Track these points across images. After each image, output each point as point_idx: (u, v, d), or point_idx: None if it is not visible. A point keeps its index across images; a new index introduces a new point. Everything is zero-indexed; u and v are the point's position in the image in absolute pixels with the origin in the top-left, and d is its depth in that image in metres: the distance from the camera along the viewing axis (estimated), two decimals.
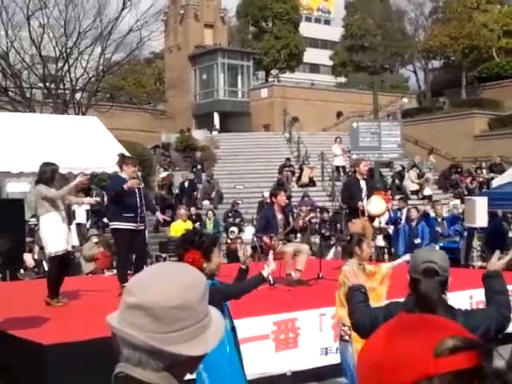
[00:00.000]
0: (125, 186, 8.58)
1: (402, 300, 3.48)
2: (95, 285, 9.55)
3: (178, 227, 15.46)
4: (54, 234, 8.03)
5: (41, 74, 25.44)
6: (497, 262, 3.60)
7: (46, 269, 14.52)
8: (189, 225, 15.93)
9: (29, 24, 24.35)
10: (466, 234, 15.18)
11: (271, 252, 5.18)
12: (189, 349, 1.43)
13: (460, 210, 17.77)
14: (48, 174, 8.10)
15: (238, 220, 18.87)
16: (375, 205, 10.67)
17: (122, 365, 1.45)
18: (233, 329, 4.65)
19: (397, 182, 22.84)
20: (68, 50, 25.04)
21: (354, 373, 5.50)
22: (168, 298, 1.42)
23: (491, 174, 22.11)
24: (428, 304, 3.13)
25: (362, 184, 10.94)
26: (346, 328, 5.48)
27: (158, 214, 10.26)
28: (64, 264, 8.21)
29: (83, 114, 23.85)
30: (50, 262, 8.31)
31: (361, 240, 5.83)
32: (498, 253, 3.67)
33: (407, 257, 5.57)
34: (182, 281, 1.47)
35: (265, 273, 4.70)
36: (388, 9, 42.40)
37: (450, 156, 27.16)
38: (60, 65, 25.47)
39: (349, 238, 5.87)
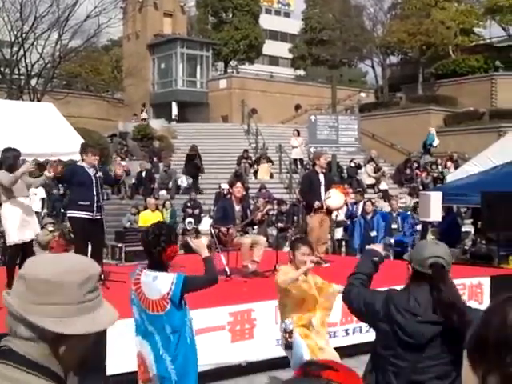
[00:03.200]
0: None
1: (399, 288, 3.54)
2: None
3: (147, 217, 15.34)
4: (15, 223, 7.88)
5: None
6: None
7: (0, 257, 14.30)
8: (158, 215, 15.82)
9: None
10: (419, 228, 15.44)
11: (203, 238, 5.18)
12: (52, 324, 1.51)
13: (410, 204, 18.15)
14: (10, 160, 7.96)
15: (196, 211, 18.78)
16: (334, 198, 10.74)
17: (7, 338, 1.56)
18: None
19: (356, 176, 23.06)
20: (24, 35, 24.55)
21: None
22: (43, 271, 1.54)
23: (445, 170, 22.49)
24: (447, 295, 3.22)
25: (321, 177, 10.99)
26: (287, 335, 5.46)
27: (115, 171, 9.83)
28: (24, 253, 8.06)
29: (38, 100, 23.44)
30: (10, 250, 8.15)
31: (296, 246, 5.57)
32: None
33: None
34: (66, 262, 1.59)
35: (203, 254, 4.73)
36: (347, 3, 42.59)
37: (406, 151, 27.50)
38: (15, 49, 24.97)
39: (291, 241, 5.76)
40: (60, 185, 19.29)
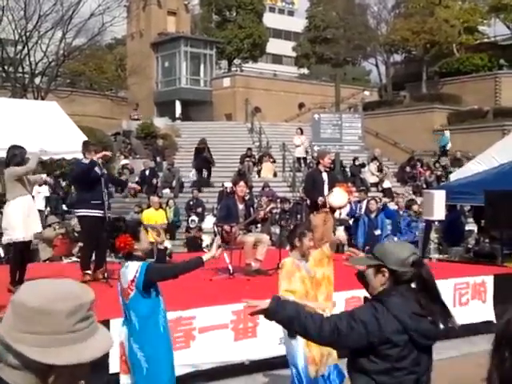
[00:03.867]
0: (94, 158, 8.59)
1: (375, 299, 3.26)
2: (55, 272, 9.39)
3: (150, 215, 15.35)
4: (21, 220, 7.90)
5: None
6: None
7: (2, 255, 14.32)
8: (161, 213, 15.82)
9: None
10: (422, 226, 15.40)
11: (217, 238, 5.22)
12: (39, 354, 1.47)
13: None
14: (18, 158, 7.99)
15: (199, 209, 18.79)
16: (337, 197, 10.71)
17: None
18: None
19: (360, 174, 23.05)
20: (28, 34, 24.54)
21: (303, 365, 5.53)
22: (31, 299, 1.50)
23: (450, 168, 22.47)
24: (435, 289, 3.21)
25: (324, 176, 10.98)
26: None
27: (130, 185, 10.17)
28: (28, 251, 8.11)
29: (42, 98, 23.46)
30: (16, 247, 8.15)
31: (303, 233, 5.67)
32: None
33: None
34: (59, 289, 1.55)
35: (204, 257, 4.78)
36: (351, 2, 42.53)
37: (410, 149, 27.48)
38: (19, 48, 24.96)
39: (292, 228, 5.81)
40: (64, 183, 19.35)
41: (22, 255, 8.11)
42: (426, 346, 3.15)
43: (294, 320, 3.16)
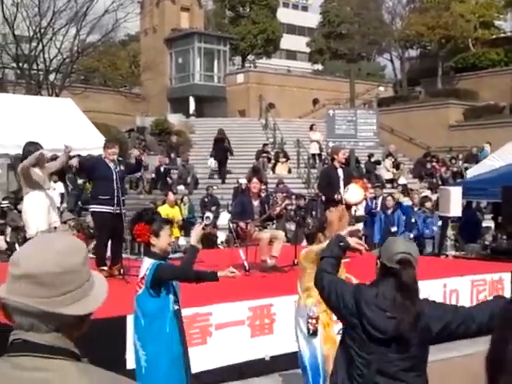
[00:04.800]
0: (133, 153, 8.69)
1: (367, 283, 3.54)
2: None
3: (165, 212, 15.31)
4: (36, 215, 7.90)
5: (14, 53, 25.03)
6: None
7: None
8: (176, 210, 15.80)
9: (2, 2, 23.87)
10: (438, 222, 15.29)
11: (235, 273, 5.10)
12: (75, 310, 1.57)
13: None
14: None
15: (214, 206, 18.76)
16: (353, 193, 10.65)
17: (16, 332, 1.57)
18: (178, 311, 4.69)
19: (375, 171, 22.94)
20: (42, 30, 24.65)
21: (310, 365, 5.49)
22: (51, 264, 1.55)
23: (465, 164, 22.30)
24: (410, 292, 3.26)
25: (340, 172, 10.90)
26: (314, 321, 5.46)
27: (133, 155, 10.17)
28: None
29: (57, 95, 23.53)
30: None
31: (324, 227, 5.76)
32: None
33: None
34: (61, 247, 1.60)
35: (220, 274, 4.76)
36: None
37: (425, 145, 27.33)
38: (34, 45, 25.08)
39: (312, 224, 5.80)
40: (80, 180, 19.40)
41: None
42: (380, 338, 3.23)
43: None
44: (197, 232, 4.92)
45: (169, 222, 4.88)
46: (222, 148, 22.58)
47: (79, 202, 19.08)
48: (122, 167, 8.97)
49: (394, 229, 14.02)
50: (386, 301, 3.27)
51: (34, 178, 7.99)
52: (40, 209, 7.96)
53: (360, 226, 16.17)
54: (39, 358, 1.52)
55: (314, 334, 5.50)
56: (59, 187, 18.22)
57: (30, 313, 1.54)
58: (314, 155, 23.69)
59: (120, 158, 9.30)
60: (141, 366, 4.56)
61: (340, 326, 5.61)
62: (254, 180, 10.23)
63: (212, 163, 22.98)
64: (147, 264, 4.55)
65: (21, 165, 7.95)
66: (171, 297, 4.60)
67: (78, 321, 1.60)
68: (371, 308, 3.27)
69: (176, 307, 4.65)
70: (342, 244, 3.78)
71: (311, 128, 24.19)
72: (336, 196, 10.54)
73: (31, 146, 8.08)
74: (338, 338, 5.51)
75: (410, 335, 3.21)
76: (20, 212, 13.82)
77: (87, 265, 1.64)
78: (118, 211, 8.68)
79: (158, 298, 4.52)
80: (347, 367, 3.37)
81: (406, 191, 20.47)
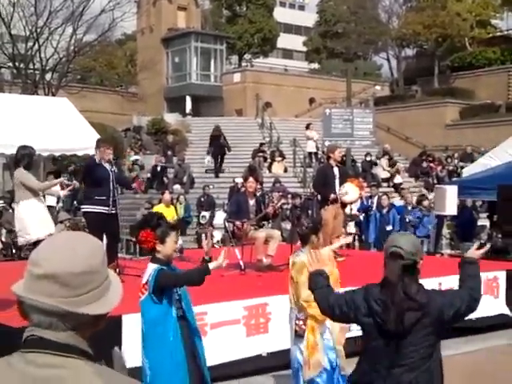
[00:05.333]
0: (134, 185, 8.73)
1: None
2: None
3: (161, 211, 15.28)
4: (36, 219, 7.89)
5: (10, 53, 24.98)
6: (475, 251, 3.79)
7: (14, 251, 14.38)
8: (171, 210, 15.79)
9: None
10: (434, 221, 15.33)
11: (225, 250, 5.08)
12: (95, 309, 1.59)
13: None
14: (26, 159, 7.98)
15: (210, 205, 18.77)
16: (349, 192, 10.68)
17: (32, 329, 1.58)
18: (182, 318, 4.60)
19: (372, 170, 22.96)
20: (38, 30, 24.59)
21: (298, 367, 5.54)
22: (73, 265, 1.56)
23: (461, 163, 22.33)
24: (390, 284, 3.35)
25: (335, 171, 10.93)
26: (301, 322, 5.49)
27: (133, 185, 10.24)
28: None
29: (53, 94, 23.50)
30: (35, 246, 8.12)
31: (318, 228, 5.76)
32: (477, 243, 3.85)
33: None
34: (83, 248, 1.62)
35: (211, 266, 4.67)
36: None
37: (421, 144, 27.35)
38: (30, 44, 25.02)
39: (306, 225, 5.81)
40: (75, 181, 19.37)
41: None
42: (394, 333, 3.30)
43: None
44: (220, 263, 4.77)
45: (174, 227, 4.82)
46: (218, 145, 22.69)
47: (75, 202, 19.07)
48: (115, 169, 8.98)
49: (389, 227, 14.04)
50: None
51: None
52: (35, 214, 7.95)
53: (352, 224, 16.22)
54: (54, 356, 1.53)
55: (301, 335, 5.51)
56: (55, 187, 18.19)
57: (50, 312, 1.55)
58: (310, 154, 23.72)
59: (115, 159, 9.30)
60: (146, 373, 4.51)
61: (325, 330, 5.67)
62: (250, 179, 10.25)
63: (209, 161, 23.21)
64: (150, 269, 4.51)
65: (30, 183, 7.90)
66: (174, 303, 4.54)
67: (94, 320, 1.62)
68: (379, 304, 3.35)
69: (180, 314, 4.58)
70: (324, 275, 3.85)
71: (307, 127, 24.24)
72: (331, 196, 10.57)
73: (25, 150, 8.06)
74: (322, 342, 5.57)
75: (419, 326, 3.30)
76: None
77: (105, 265, 1.67)
78: (113, 211, 8.70)
79: (160, 305, 4.47)
80: (366, 365, 3.46)
81: (400, 191, 20.50)
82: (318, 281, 3.78)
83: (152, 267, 4.53)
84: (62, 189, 10.71)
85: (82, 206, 9.24)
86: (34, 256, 1.60)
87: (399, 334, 3.30)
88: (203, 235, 16.78)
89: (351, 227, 16.50)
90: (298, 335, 5.54)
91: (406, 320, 3.28)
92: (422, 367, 3.33)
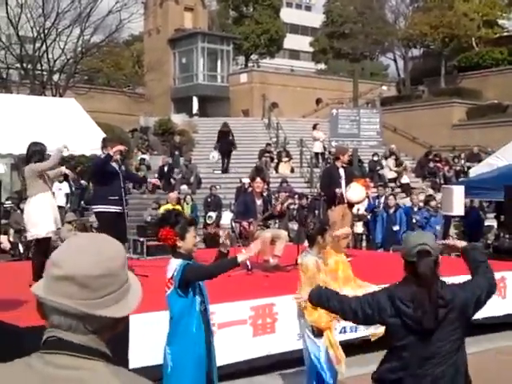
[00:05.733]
0: (110, 152, 8.58)
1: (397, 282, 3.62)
2: None
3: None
4: (45, 216, 7.93)
5: (18, 54, 25.06)
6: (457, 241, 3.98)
7: (22, 251, 14.45)
8: (179, 210, 15.85)
9: (6, 3, 23.91)
10: (441, 221, 15.30)
11: (258, 241, 5.17)
12: (115, 312, 1.59)
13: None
14: (37, 156, 8.01)
15: (217, 206, 18.80)
16: (355, 192, 10.69)
17: (52, 330, 1.57)
18: (203, 312, 4.69)
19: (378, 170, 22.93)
20: (46, 31, 24.68)
21: (319, 366, 5.57)
22: (93, 267, 1.56)
23: (468, 164, 22.28)
24: (426, 281, 3.37)
25: (341, 172, 10.95)
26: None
27: (150, 180, 10.20)
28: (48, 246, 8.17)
29: (61, 95, 23.57)
30: (40, 243, 8.17)
31: (324, 229, 5.79)
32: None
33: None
34: (104, 250, 1.61)
35: (240, 258, 4.75)
36: None
37: (428, 144, 27.31)
38: (37, 45, 25.10)
39: (312, 226, 5.84)
40: (83, 181, 19.45)
41: (46, 251, 8.18)
42: (422, 331, 3.36)
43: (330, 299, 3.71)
44: (250, 254, 4.94)
45: (192, 223, 4.86)
46: (226, 141, 23.00)
47: (82, 202, 19.15)
48: (123, 167, 9.02)
49: (395, 228, 14.03)
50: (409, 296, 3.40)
51: (40, 179, 8.00)
52: (45, 210, 7.98)
53: (360, 224, 16.21)
54: (74, 357, 1.53)
55: (320, 335, 5.57)
56: (64, 187, 18.28)
57: (71, 314, 1.55)
58: (317, 154, 23.71)
59: (122, 158, 9.33)
60: (167, 365, 4.58)
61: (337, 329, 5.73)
62: (258, 179, 10.26)
63: (215, 156, 23.46)
64: (174, 264, 4.57)
65: (37, 167, 7.93)
66: (198, 297, 4.62)
67: (114, 323, 1.62)
68: (406, 303, 3.38)
69: (202, 308, 4.66)
70: (322, 287, 3.95)
71: (314, 127, 24.24)
72: (336, 190, 10.58)
73: (36, 147, 8.11)
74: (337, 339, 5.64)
75: (446, 322, 3.36)
76: (23, 212, 13.88)
77: (126, 267, 1.66)
78: (123, 211, 8.74)
79: (185, 297, 4.54)
80: (395, 361, 3.50)
81: (407, 191, 20.47)
82: (323, 293, 3.81)
83: (176, 262, 4.58)
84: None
85: (95, 206, 9.20)
86: (55, 257, 1.60)
87: (430, 331, 3.35)
88: (221, 231, 16.81)
89: (359, 227, 16.50)
90: (317, 335, 5.59)
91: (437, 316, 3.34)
92: (449, 361, 3.39)
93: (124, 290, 1.63)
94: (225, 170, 22.89)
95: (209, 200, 19.04)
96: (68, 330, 1.56)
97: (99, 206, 8.88)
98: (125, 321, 1.66)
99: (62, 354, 1.53)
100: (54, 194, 8.98)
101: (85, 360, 1.54)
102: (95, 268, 1.56)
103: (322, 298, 3.77)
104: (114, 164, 8.74)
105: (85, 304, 1.55)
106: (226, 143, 22.96)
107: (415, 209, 15.83)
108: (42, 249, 8.12)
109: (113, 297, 1.59)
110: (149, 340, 6.09)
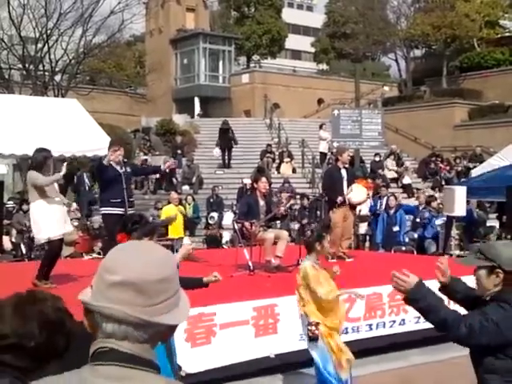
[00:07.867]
0: (104, 160, 8.66)
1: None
2: (77, 268, 9.45)
3: (170, 211, 15.40)
4: (48, 219, 7.95)
5: (20, 54, 25.07)
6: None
7: (24, 252, 14.47)
8: (180, 209, 15.90)
9: (8, 4, 23.93)
10: (443, 222, 15.31)
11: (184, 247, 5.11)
12: (170, 319, 1.54)
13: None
14: (39, 161, 8.02)
15: (219, 206, 18.81)
16: (356, 193, 10.71)
17: (103, 340, 1.51)
18: None
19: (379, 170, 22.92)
20: (48, 31, 24.69)
21: (321, 369, 5.58)
22: (150, 273, 1.51)
23: (470, 164, 22.26)
24: None
25: (343, 172, 10.96)
26: (313, 327, 5.53)
27: (163, 165, 10.11)
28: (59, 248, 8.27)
29: (63, 96, 23.60)
30: (51, 245, 8.22)
31: (322, 236, 5.78)
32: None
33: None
34: (157, 256, 1.58)
35: (205, 279, 4.80)
36: None
37: (430, 145, 27.29)
38: (40, 46, 25.13)
39: (311, 232, 5.87)
40: (87, 179, 19.44)
41: (58, 253, 8.29)
42: None
43: (432, 310, 3.24)
44: (215, 280, 4.91)
45: (152, 232, 4.65)
46: (226, 138, 23.51)
47: (87, 202, 19.13)
48: (129, 169, 9.03)
49: (396, 228, 14.03)
50: None
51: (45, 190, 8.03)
52: (49, 214, 8.00)
53: (364, 225, 16.20)
54: (127, 368, 1.48)
55: (315, 339, 5.56)
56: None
57: (126, 321, 1.49)
58: (322, 154, 23.64)
59: (125, 160, 9.34)
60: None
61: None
62: (263, 180, 10.24)
63: (217, 152, 24.01)
64: None
65: (37, 181, 7.94)
66: None
67: (167, 331, 1.57)
68: None
69: None
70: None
71: (321, 127, 24.18)
72: (339, 199, 10.60)
73: (38, 153, 8.10)
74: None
75: None
76: (25, 212, 13.91)
77: (177, 274, 1.61)
78: (128, 211, 8.77)
79: None
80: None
81: (410, 191, 20.46)
82: (426, 297, 3.28)
83: None
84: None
85: (101, 209, 9.34)
86: (108, 263, 1.54)
87: None
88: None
89: (362, 228, 16.47)
90: (312, 339, 5.59)
91: None
92: None
93: (177, 297, 1.58)
94: (227, 166, 23.41)
95: (211, 200, 19.06)
96: (123, 339, 1.50)
97: (103, 209, 9.00)
98: (175, 329, 1.61)
99: (115, 365, 1.48)
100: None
101: (137, 371, 1.49)
102: (152, 273, 1.51)
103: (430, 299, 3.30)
104: (116, 166, 8.75)
105: (143, 311, 1.49)
106: (226, 139, 23.46)
107: (420, 208, 15.82)
108: (54, 250, 8.21)
109: (168, 303, 1.54)
110: None
